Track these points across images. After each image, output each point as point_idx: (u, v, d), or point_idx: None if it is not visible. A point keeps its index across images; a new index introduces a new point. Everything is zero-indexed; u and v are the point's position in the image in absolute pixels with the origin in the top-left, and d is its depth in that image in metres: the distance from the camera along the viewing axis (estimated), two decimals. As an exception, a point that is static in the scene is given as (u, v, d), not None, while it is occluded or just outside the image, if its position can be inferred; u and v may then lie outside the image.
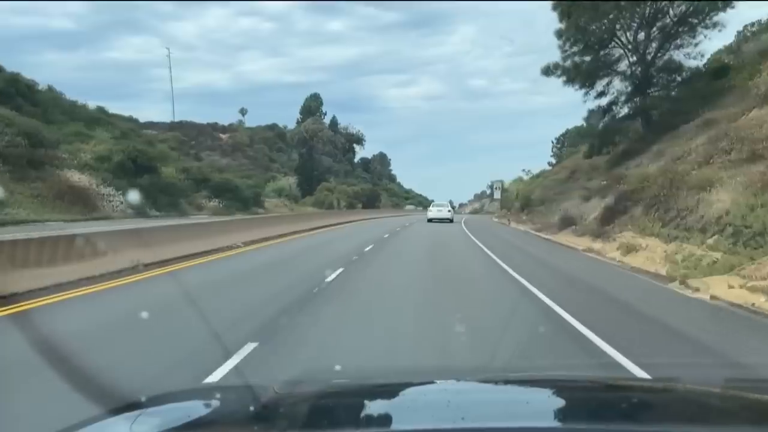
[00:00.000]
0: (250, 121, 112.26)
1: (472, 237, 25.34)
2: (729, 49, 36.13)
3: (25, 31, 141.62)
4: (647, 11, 30.43)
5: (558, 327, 7.70)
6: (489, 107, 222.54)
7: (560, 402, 2.01)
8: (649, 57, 32.22)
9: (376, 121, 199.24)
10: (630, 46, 32.24)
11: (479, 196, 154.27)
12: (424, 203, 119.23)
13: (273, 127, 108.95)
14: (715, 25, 30.97)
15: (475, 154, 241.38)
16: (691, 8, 29.53)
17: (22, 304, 8.45)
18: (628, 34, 32.03)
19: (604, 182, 28.30)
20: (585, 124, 34.76)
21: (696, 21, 30.27)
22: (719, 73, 30.64)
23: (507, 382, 2.39)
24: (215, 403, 1.92)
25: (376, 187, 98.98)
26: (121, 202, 34.20)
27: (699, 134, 25.75)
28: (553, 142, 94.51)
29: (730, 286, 10.46)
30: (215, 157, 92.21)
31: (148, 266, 12.68)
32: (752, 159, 16.43)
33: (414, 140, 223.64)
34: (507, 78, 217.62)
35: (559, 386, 2.21)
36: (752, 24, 38.47)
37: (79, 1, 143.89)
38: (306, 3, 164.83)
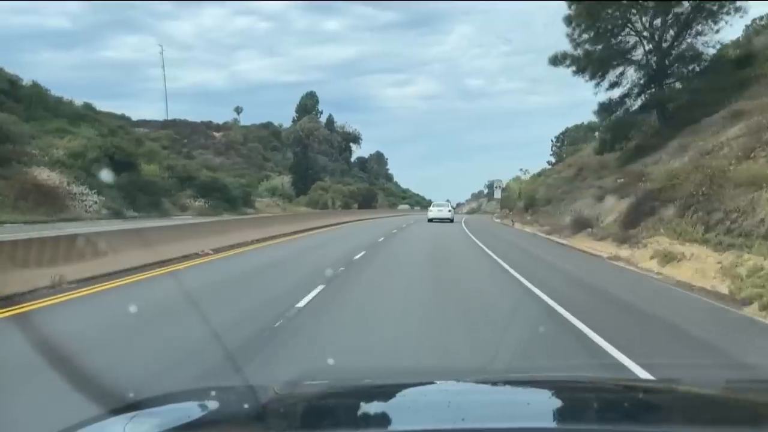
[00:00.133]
0: (247, 121, 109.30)
1: (477, 241, 22.46)
2: (736, 44, 33.18)
3: (22, 30, 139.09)
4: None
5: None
6: (486, 107, 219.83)
7: (561, 403, 1.96)
8: (665, 45, 29.39)
9: (373, 120, 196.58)
10: (645, 33, 29.39)
11: (476, 196, 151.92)
12: (421, 203, 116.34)
13: (268, 125, 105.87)
14: (737, 9, 28.18)
15: (472, 154, 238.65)
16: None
17: None
18: (643, 19, 29.18)
19: (620, 180, 25.46)
20: (596, 118, 31.63)
21: (717, 5, 27.46)
22: (743, 63, 27.83)
23: (507, 382, 2.34)
24: (215, 403, 1.91)
25: (372, 187, 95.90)
26: (95, 202, 31.23)
27: (728, 126, 22.97)
28: (552, 141, 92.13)
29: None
30: (208, 155, 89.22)
31: (72, 284, 9.78)
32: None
33: (411, 140, 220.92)
34: (504, 78, 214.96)
35: (559, 387, 2.19)
36: (761, 18, 35.63)
37: (76, 0, 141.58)
38: (303, 3, 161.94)
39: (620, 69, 30.09)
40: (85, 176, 32.26)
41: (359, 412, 1.75)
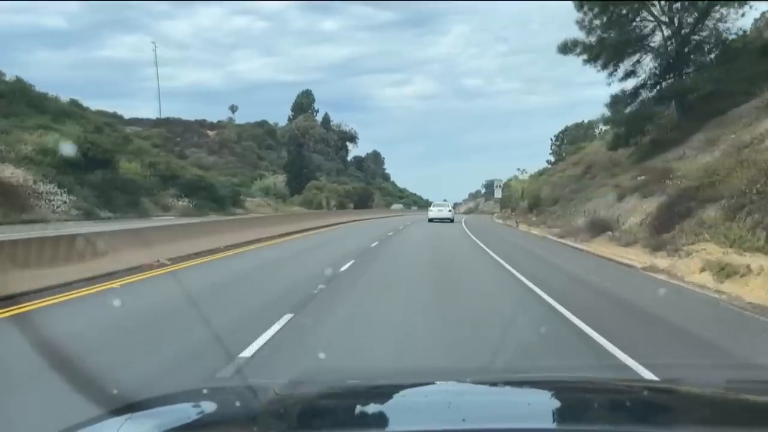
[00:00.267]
0: (243, 120, 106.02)
1: (482, 245, 19.61)
2: (743, 37, 30.34)
3: (18, 30, 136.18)
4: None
5: None
6: (483, 107, 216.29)
7: (562, 403, 1.92)
8: (685, 31, 26.57)
9: (370, 120, 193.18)
10: (664, 18, 26.57)
11: (474, 196, 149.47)
12: (419, 203, 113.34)
13: (263, 123, 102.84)
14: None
15: (469, 154, 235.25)
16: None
17: None
18: (662, 2, 26.37)
19: (641, 177, 22.66)
20: (608, 111, 28.81)
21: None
22: (768, 50, 25.08)
23: (508, 383, 2.32)
24: (215, 403, 1.88)
25: (369, 186, 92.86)
26: (64, 202, 28.29)
27: (763, 117, 20.26)
28: (552, 140, 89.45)
29: None
30: (201, 154, 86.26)
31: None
32: None
33: (408, 139, 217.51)
34: (501, 77, 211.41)
35: (560, 387, 2.16)
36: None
37: (73, 0, 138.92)
38: (300, 3, 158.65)
39: (636, 57, 27.27)
40: (55, 174, 29.33)
41: (359, 413, 1.70)
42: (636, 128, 27.17)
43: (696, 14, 25.81)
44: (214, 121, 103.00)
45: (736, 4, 24.82)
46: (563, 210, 30.13)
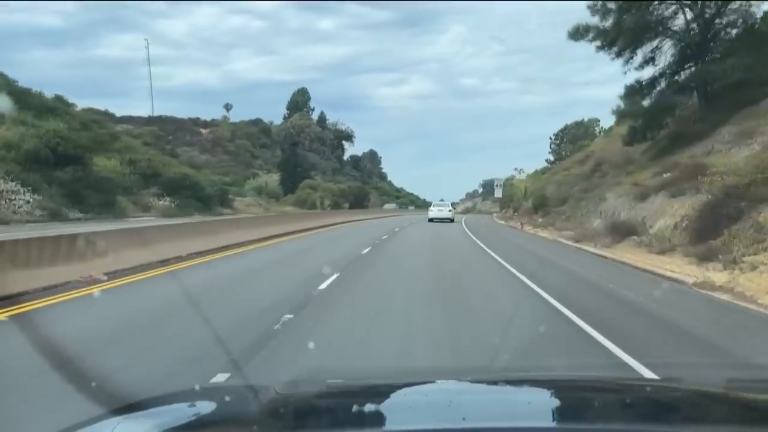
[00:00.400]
0: (238, 119, 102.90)
1: (492, 253, 16.85)
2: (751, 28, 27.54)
3: (13, 29, 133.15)
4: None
5: None
6: (480, 106, 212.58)
7: (562, 402, 1.88)
8: (709, 13, 23.85)
9: (367, 120, 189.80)
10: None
11: (471, 195, 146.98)
12: (416, 202, 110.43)
13: (257, 122, 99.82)
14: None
15: (467, 153, 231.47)
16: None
17: None
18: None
19: (666, 174, 19.96)
20: (622, 104, 26.04)
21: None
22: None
23: (508, 382, 2.27)
24: (216, 403, 1.85)
25: (365, 186, 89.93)
26: (27, 202, 25.47)
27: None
28: (551, 138, 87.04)
29: None
30: (193, 152, 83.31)
31: None
32: None
33: (405, 139, 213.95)
34: (498, 77, 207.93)
35: (561, 386, 2.13)
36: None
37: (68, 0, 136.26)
38: (296, 2, 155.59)
39: (656, 42, 24.53)
40: (19, 170, 26.49)
41: (359, 412, 1.64)
42: (654, 121, 24.47)
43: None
44: (208, 119, 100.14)
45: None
46: (573, 211, 27.39)
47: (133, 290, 9.84)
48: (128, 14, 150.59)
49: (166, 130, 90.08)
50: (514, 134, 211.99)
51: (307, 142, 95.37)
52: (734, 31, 23.89)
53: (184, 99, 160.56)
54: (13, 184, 25.49)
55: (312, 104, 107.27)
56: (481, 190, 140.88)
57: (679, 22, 24.06)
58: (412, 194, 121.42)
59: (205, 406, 1.79)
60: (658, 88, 25.06)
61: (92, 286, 9.69)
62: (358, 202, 70.56)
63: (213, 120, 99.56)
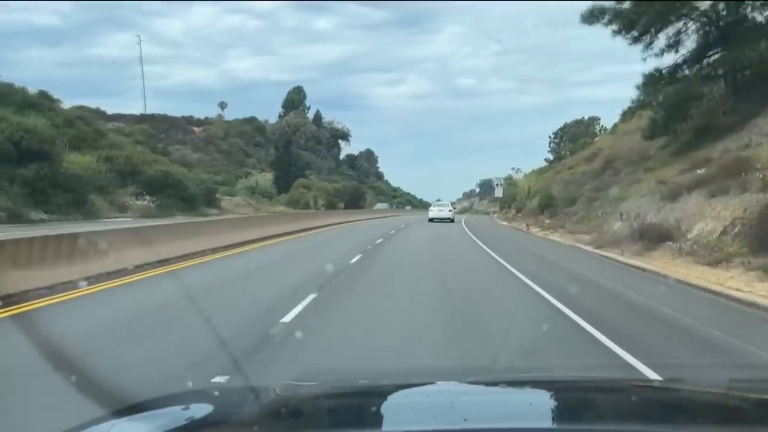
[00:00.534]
0: (233, 118, 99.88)
1: (508, 265, 14.12)
2: None
3: (9, 28, 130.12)
4: None
5: None
6: (477, 106, 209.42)
7: (564, 403, 1.84)
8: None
9: (364, 119, 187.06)
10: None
11: (468, 195, 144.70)
12: (413, 202, 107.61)
13: (251, 120, 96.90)
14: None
15: (463, 153, 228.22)
16: None
17: None
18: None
19: (701, 171, 17.26)
20: (641, 94, 23.27)
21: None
22: None
23: (509, 383, 2.22)
24: (216, 404, 1.83)
25: (361, 185, 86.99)
26: (-20, 202, 22.65)
27: None
28: (550, 137, 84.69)
29: None
30: (185, 151, 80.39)
31: None
32: None
33: (402, 139, 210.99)
34: (495, 77, 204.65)
35: (562, 387, 2.10)
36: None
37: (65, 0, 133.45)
38: (293, 2, 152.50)
39: (680, 24, 21.80)
40: (-26, 167, 23.68)
41: (360, 413, 1.67)
42: (679, 112, 21.72)
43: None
44: (202, 117, 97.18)
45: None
46: (586, 211, 24.64)
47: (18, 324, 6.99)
48: (125, 13, 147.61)
49: (159, 129, 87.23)
50: (510, 134, 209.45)
51: (303, 141, 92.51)
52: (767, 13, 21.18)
53: (181, 98, 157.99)
54: (-34, 182, 22.68)
55: (308, 103, 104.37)
56: (478, 190, 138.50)
57: (705, 2, 21.33)
58: (408, 194, 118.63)
59: (206, 407, 1.74)
60: (682, 75, 22.33)
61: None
62: (354, 201, 67.72)
63: (207, 118, 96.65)
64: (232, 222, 22.98)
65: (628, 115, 46.71)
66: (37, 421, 3.89)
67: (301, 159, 77.29)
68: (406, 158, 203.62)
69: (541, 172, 52.86)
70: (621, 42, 22.76)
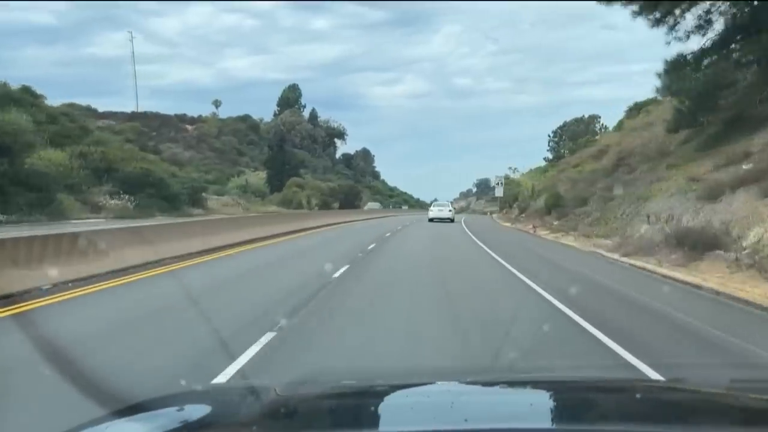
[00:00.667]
0: (227, 116, 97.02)
1: (528, 280, 11.49)
2: None
3: (6, 27, 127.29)
4: None
5: None
6: (473, 106, 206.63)
7: (564, 403, 1.81)
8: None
9: (361, 119, 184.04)
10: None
11: (465, 195, 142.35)
12: (409, 201, 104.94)
13: (245, 118, 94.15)
14: None
15: (460, 153, 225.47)
16: None
17: None
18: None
19: (747, 166, 14.70)
20: (664, 82, 20.64)
21: None
22: None
23: (510, 383, 2.19)
24: (217, 404, 1.78)
25: (357, 185, 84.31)
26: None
27: None
28: (549, 136, 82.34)
29: None
30: (177, 149, 77.65)
31: None
32: None
33: (399, 138, 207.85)
34: (491, 77, 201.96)
35: (563, 387, 2.05)
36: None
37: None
38: (290, 2, 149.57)
39: (707, 4, 19.25)
40: None
41: (360, 413, 1.63)
42: (709, 101, 19.15)
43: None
44: (195, 115, 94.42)
45: None
46: (602, 212, 22.05)
47: None
48: (121, 13, 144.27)
49: (150, 126, 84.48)
50: (507, 134, 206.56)
51: (298, 140, 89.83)
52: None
53: (177, 98, 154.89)
54: None
55: (304, 102, 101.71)
56: (475, 190, 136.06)
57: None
58: (405, 193, 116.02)
59: (206, 407, 1.71)
60: (709, 61, 19.78)
61: None
62: (349, 201, 65.05)
63: (200, 116, 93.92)
64: (182, 226, 19.13)
65: (634, 111, 44.37)
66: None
67: (295, 158, 74.64)
68: (403, 158, 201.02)
69: (541, 171, 50.23)
70: (641, 23, 20.30)
